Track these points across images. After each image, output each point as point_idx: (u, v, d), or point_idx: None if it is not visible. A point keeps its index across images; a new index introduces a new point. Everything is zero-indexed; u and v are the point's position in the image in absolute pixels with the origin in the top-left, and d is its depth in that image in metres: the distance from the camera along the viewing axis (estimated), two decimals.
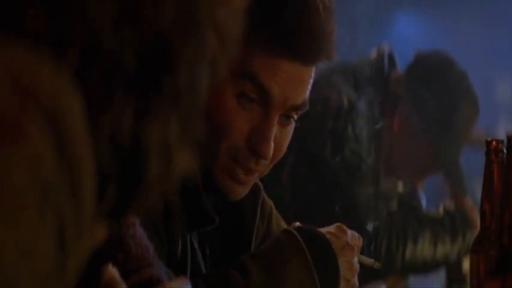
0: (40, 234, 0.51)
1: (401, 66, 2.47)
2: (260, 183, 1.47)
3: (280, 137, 1.34)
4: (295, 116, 1.34)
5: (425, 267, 2.38)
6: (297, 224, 1.40)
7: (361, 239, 1.39)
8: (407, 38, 4.15)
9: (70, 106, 0.53)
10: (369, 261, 1.43)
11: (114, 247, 0.99)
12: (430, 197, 2.62)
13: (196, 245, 1.35)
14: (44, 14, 0.55)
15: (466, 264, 2.32)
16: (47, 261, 0.51)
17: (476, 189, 1.88)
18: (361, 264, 1.39)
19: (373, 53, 2.45)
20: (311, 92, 1.36)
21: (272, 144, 1.30)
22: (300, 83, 1.31)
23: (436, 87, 2.40)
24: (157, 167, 0.59)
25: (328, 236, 1.34)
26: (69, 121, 0.53)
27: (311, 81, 1.33)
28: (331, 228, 1.37)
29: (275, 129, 1.31)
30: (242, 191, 1.34)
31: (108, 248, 0.93)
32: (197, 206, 1.31)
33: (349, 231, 1.37)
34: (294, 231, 1.32)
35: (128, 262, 1.00)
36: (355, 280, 1.35)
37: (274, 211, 1.55)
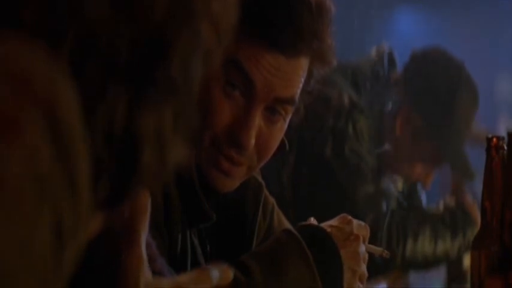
0: (37, 228, 0.50)
1: (401, 65, 2.47)
2: (262, 181, 1.47)
3: (268, 134, 1.32)
4: (284, 112, 1.33)
5: (426, 264, 2.38)
6: (312, 219, 1.39)
7: (368, 228, 1.38)
8: (406, 37, 4.15)
9: (65, 97, 0.53)
10: (377, 250, 1.42)
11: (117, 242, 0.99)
12: (431, 193, 2.62)
13: (196, 242, 1.35)
14: (39, 6, 0.55)
15: (466, 261, 2.33)
16: (44, 255, 0.51)
17: (478, 186, 1.88)
18: (370, 253, 1.39)
19: (373, 52, 2.45)
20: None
21: (253, 135, 1.29)
22: (285, 75, 1.29)
23: (433, 81, 2.40)
24: (150, 156, 0.59)
25: (329, 230, 1.33)
26: (64, 112, 0.53)
27: (301, 78, 1.31)
28: (335, 220, 1.36)
29: (258, 121, 1.30)
30: (229, 184, 1.33)
31: (111, 242, 0.93)
32: (194, 203, 1.31)
33: (355, 221, 1.36)
34: (294, 231, 1.32)
35: None
36: (363, 270, 1.34)
37: (276, 208, 1.55)
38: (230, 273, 1.05)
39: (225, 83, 1.28)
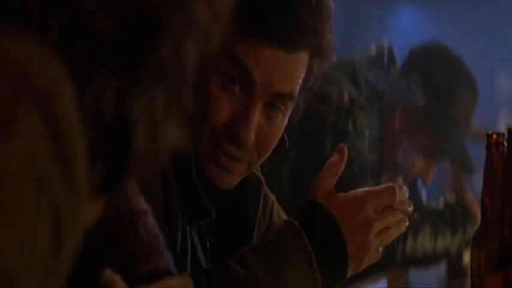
0: (37, 227, 0.50)
1: (400, 62, 2.47)
2: (262, 177, 1.47)
3: (268, 129, 1.32)
4: (283, 108, 1.32)
5: (426, 261, 2.38)
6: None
7: (394, 190, 1.33)
8: (407, 34, 4.15)
9: (63, 94, 0.53)
10: (408, 211, 1.37)
11: (124, 234, 0.99)
12: (431, 189, 2.63)
13: (196, 239, 1.35)
14: None
15: (466, 258, 2.32)
16: (44, 255, 0.51)
17: (478, 182, 1.88)
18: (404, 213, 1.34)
19: (373, 49, 2.45)
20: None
21: (252, 130, 1.29)
22: (285, 70, 1.29)
23: (432, 76, 2.40)
24: (143, 140, 0.58)
25: (338, 216, 1.31)
26: (62, 110, 0.52)
27: (300, 74, 1.31)
28: (348, 202, 1.33)
29: (257, 116, 1.29)
30: (229, 180, 1.33)
31: (118, 235, 0.93)
32: (194, 200, 1.31)
33: (377, 189, 1.33)
34: (295, 222, 1.31)
35: (138, 250, 1.00)
36: (380, 240, 1.32)
37: (276, 205, 1.54)
38: (191, 282, 1.05)
39: (224, 78, 1.28)
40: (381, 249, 1.34)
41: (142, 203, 1.03)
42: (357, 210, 1.32)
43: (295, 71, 1.31)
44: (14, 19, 0.54)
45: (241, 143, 1.29)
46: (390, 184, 1.36)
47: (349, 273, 1.31)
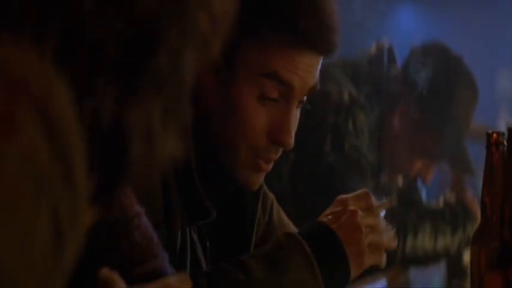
0: (37, 227, 0.50)
1: (400, 61, 2.47)
2: None
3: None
4: (305, 99, 1.36)
5: (426, 260, 2.38)
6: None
7: (367, 194, 1.39)
8: (407, 34, 4.14)
9: (59, 94, 0.53)
10: (384, 203, 1.42)
11: (119, 238, 0.99)
12: (431, 189, 2.62)
13: (195, 238, 1.35)
14: (26, 1, 0.54)
15: (466, 257, 2.32)
16: (44, 254, 0.51)
17: (478, 181, 1.88)
18: (379, 208, 1.38)
19: (373, 48, 2.45)
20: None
21: (293, 134, 1.33)
22: (314, 69, 1.34)
23: (432, 76, 2.40)
24: (140, 149, 0.58)
25: (328, 222, 1.34)
26: (59, 109, 0.52)
27: (319, 65, 1.35)
28: (331, 207, 1.38)
29: (295, 118, 1.33)
30: (259, 179, 1.36)
31: (113, 239, 0.93)
32: (194, 200, 1.32)
33: (350, 196, 1.37)
34: (294, 232, 1.33)
35: (133, 253, 1.00)
36: (377, 239, 1.36)
37: (275, 204, 1.55)
38: (189, 282, 1.06)
39: (262, 96, 1.29)
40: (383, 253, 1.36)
41: (134, 205, 1.03)
42: (340, 206, 1.36)
43: (318, 64, 1.35)
44: (13, 21, 0.54)
45: (285, 148, 1.33)
46: (363, 189, 1.40)
47: (353, 269, 1.32)
